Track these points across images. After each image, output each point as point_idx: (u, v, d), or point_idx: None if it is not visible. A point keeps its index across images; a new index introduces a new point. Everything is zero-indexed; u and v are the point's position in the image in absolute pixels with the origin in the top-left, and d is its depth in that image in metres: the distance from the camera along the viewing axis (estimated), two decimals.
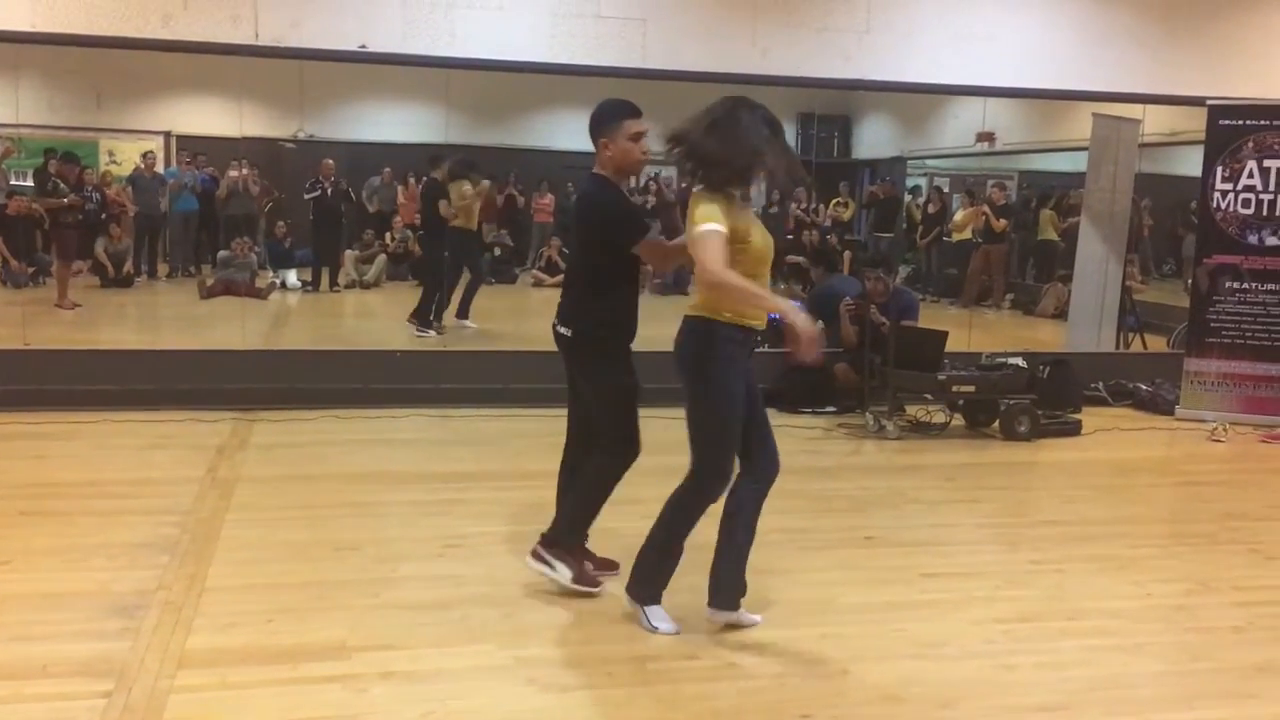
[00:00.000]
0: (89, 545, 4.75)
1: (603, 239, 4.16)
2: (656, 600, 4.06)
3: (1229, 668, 3.90)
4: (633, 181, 14.21)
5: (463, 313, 10.53)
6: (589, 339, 4.24)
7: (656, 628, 4.00)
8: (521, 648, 3.88)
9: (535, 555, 4.40)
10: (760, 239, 3.89)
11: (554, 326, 4.33)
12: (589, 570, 4.41)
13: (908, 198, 14.96)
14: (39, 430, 6.80)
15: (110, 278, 12.27)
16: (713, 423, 3.91)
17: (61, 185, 10.95)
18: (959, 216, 13.88)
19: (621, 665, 3.76)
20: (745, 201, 3.89)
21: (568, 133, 13.86)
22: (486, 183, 11.23)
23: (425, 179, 10.94)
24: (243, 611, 4.08)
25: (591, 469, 4.36)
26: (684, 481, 4.00)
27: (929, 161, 14.91)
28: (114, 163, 13.12)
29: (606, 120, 4.16)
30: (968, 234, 13.49)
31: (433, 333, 10.12)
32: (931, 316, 9.34)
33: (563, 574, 4.33)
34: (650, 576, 4.06)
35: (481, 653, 3.84)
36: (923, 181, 15.09)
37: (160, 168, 12.95)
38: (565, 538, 4.40)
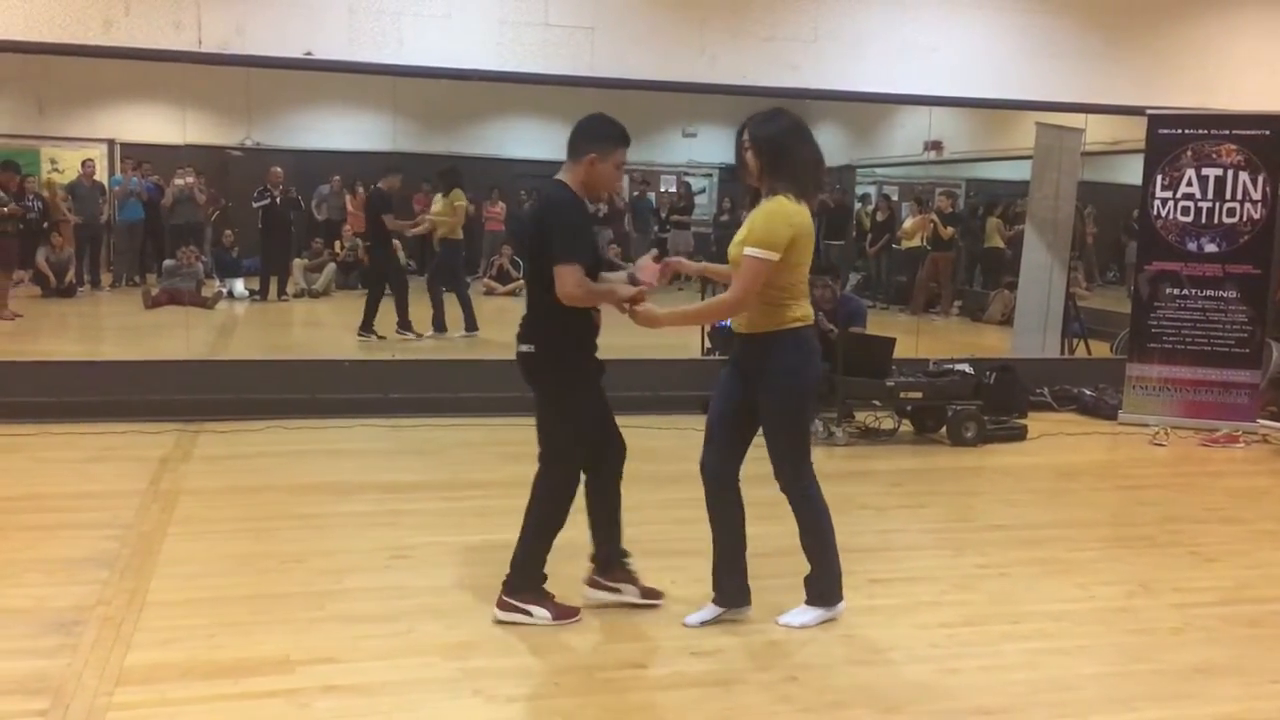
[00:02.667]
0: (26, 560, 4.66)
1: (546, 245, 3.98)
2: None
3: (1168, 669, 3.96)
4: None
5: (471, 325, 10.59)
6: (549, 355, 4.07)
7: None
8: (468, 659, 3.85)
9: (504, 606, 4.14)
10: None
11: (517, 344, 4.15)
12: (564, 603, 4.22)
13: (857, 206, 15.09)
14: None
15: (52, 287, 12.09)
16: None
17: (1, 194, 10.77)
18: (908, 224, 14.03)
19: (568, 675, 3.75)
20: None
21: (517, 141, 13.88)
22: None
23: (372, 189, 10.88)
24: (184, 626, 4.02)
25: (543, 496, 4.17)
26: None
27: (878, 170, 15.05)
28: (56, 170, 12.93)
29: (606, 139, 4.05)
30: (916, 242, 13.63)
31: (412, 335, 10.30)
32: (881, 323, 9.42)
33: (541, 616, 4.13)
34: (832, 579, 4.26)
35: (427, 665, 3.80)
36: (872, 190, 15.23)
37: (103, 176, 12.76)
38: (527, 582, 4.15)
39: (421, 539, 5.15)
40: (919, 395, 7.67)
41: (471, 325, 10.53)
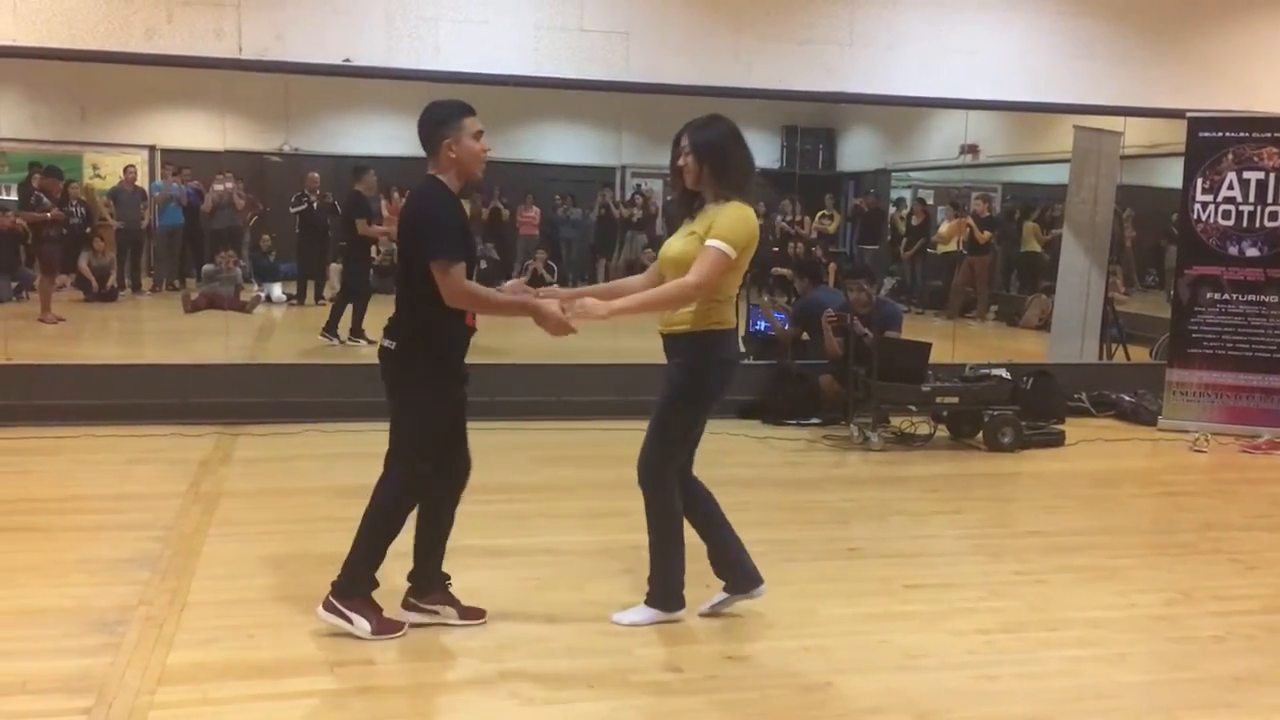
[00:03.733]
0: (69, 561, 4.73)
1: (415, 244, 3.87)
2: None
3: (1210, 677, 3.92)
4: (620, 194, 14.42)
5: None
6: (405, 354, 3.94)
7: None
8: (503, 661, 3.87)
9: (328, 607, 4.03)
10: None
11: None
12: (388, 616, 4.09)
13: (892, 210, 15.02)
14: (20, 445, 6.77)
15: (94, 292, 12.23)
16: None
17: (45, 199, 10.93)
18: (944, 229, 13.94)
19: (604, 678, 3.75)
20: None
21: (552, 146, 13.93)
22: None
23: (350, 192, 10.79)
24: (224, 626, 4.06)
25: (382, 500, 4.03)
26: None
27: (913, 174, 14.97)
28: (98, 176, 13.10)
29: (446, 120, 3.94)
30: (952, 246, 13.55)
31: (337, 342, 10.28)
32: (916, 328, 9.37)
33: (360, 627, 4.00)
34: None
35: (463, 667, 3.83)
36: (907, 194, 15.15)
37: (144, 181, 12.92)
38: (355, 587, 4.02)
39: (456, 542, 5.12)
40: (955, 400, 7.63)
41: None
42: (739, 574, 4.29)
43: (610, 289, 4.38)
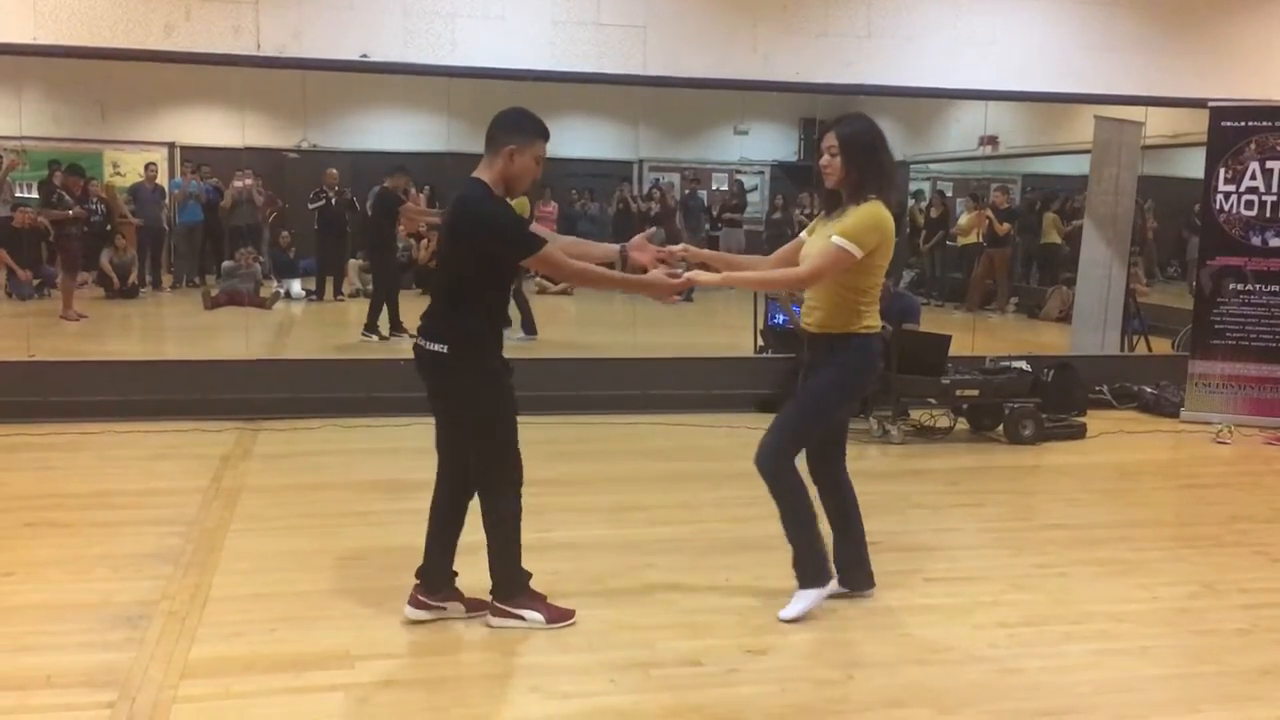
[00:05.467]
0: (93, 556, 4.77)
1: (488, 252, 3.87)
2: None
3: (1235, 671, 3.89)
4: (637, 188, 14.38)
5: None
6: (457, 357, 3.92)
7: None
8: (525, 655, 3.88)
9: (496, 613, 4.13)
10: None
11: (415, 344, 4.05)
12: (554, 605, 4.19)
13: (911, 202, 14.96)
14: (44, 441, 6.82)
15: (115, 289, 12.31)
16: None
17: (66, 197, 10.99)
18: (963, 220, 13.88)
19: (624, 673, 3.75)
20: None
21: (570, 140, 13.90)
22: None
23: (379, 188, 10.78)
24: (246, 621, 4.08)
25: (488, 509, 4.09)
26: None
27: (932, 166, 14.91)
28: (118, 174, 13.17)
29: (524, 131, 3.94)
30: (972, 238, 13.48)
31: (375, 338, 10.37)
32: (935, 321, 9.34)
33: (534, 619, 4.09)
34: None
35: (485, 661, 3.84)
36: (926, 186, 15.09)
37: (163, 179, 12.98)
38: (513, 586, 4.14)
39: (478, 537, 5.13)
40: (975, 393, 7.59)
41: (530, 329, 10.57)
42: (858, 572, 4.44)
43: (729, 260, 4.55)
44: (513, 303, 10.48)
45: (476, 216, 3.89)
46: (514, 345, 10.11)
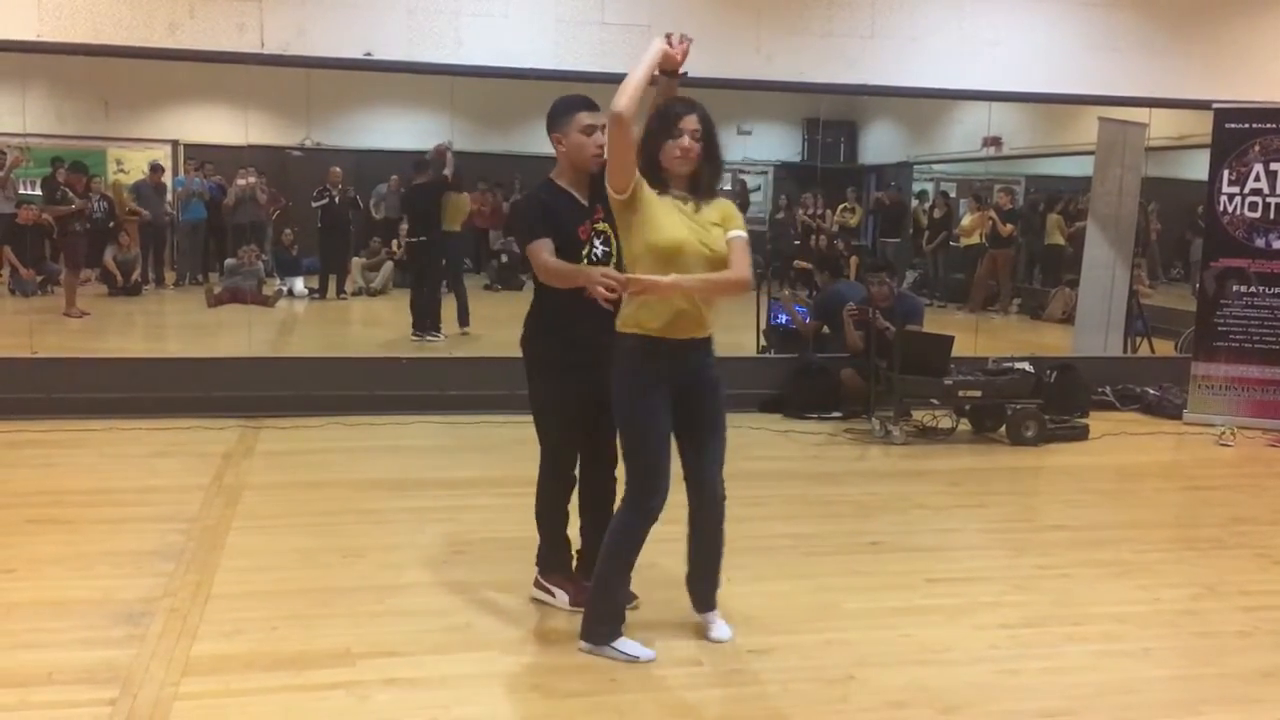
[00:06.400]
0: (95, 553, 4.77)
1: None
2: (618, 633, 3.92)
3: (1236, 673, 3.89)
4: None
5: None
6: (525, 335, 4.18)
7: (636, 656, 3.84)
8: (526, 654, 3.88)
9: (536, 584, 4.40)
10: None
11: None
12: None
13: (914, 203, 14.95)
14: (46, 438, 6.82)
15: (118, 286, 12.30)
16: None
17: (69, 194, 11.00)
18: (966, 221, 13.87)
19: (625, 671, 3.75)
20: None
21: None
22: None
23: (417, 184, 10.77)
24: (248, 619, 4.09)
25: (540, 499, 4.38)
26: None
27: (935, 166, 14.90)
28: (122, 171, 13.17)
29: (557, 117, 4.08)
30: (975, 239, 13.47)
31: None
32: (938, 321, 9.33)
33: (561, 600, 4.29)
34: (606, 613, 3.89)
35: (485, 659, 3.84)
36: (929, 187, 15.08)
37: (167, 178, 12.99)
38: (548, 565, 4.38)
39: (481, 534, 5.19)
40: (978, 394, 7.59)
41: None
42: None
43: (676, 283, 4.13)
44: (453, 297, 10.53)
45: (512, 209, 4.15)
46: (460, 340, 10.23)
